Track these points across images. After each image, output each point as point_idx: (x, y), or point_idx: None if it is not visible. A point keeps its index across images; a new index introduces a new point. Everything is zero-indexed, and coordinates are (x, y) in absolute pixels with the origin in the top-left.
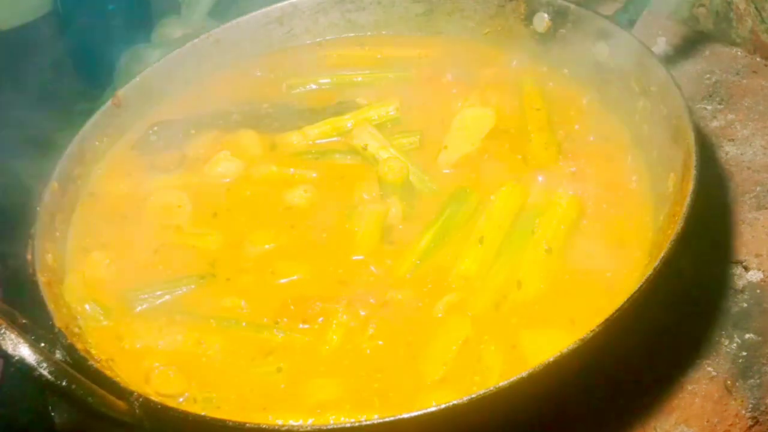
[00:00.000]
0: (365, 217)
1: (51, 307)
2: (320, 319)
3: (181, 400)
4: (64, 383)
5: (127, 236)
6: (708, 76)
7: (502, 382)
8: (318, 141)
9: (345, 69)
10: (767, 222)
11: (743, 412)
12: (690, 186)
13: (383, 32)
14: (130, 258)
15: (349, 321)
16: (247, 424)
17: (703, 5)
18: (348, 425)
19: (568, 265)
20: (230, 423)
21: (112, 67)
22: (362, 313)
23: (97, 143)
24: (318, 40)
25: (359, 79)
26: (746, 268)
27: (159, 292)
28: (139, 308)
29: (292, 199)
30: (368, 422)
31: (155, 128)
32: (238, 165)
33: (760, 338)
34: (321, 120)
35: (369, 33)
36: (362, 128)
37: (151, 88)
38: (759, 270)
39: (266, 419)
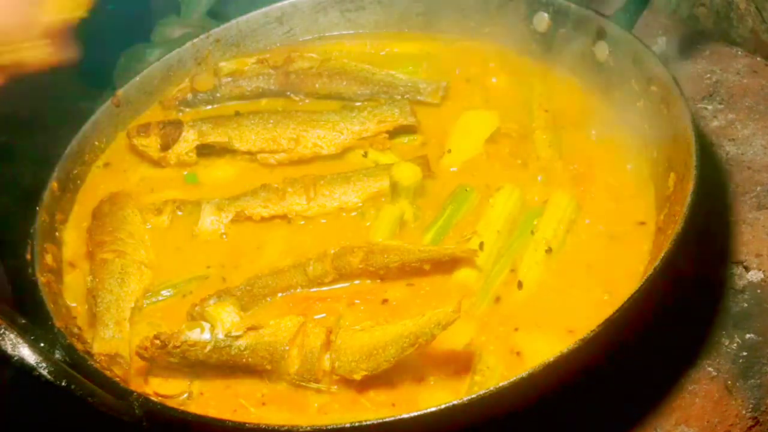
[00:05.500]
0: (380, 216)
1: (50, 307)
2: (320, 316)
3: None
4: (63, 383)
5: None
6: (708, 75)
7: (503, 382)
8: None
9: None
10: (767, 222)
11: (744, 412)
12: (690, 186)
13: (383, 32)
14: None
15: (348, 320)
16: (247, 424)
17: (703, 5)
18: (348, 425)
19: (568, 266)
20: (230, 423)
21: (112, 66)
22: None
23: (96, 143)
24: (318, 40)
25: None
26: (746, 268)
27: (160, 292)
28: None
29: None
30: (368, 422)
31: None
32: (237, 168)
33: (760, 338)
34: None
35: (369, 32)
36: None
37: (150, 88)
38: (759, 270)
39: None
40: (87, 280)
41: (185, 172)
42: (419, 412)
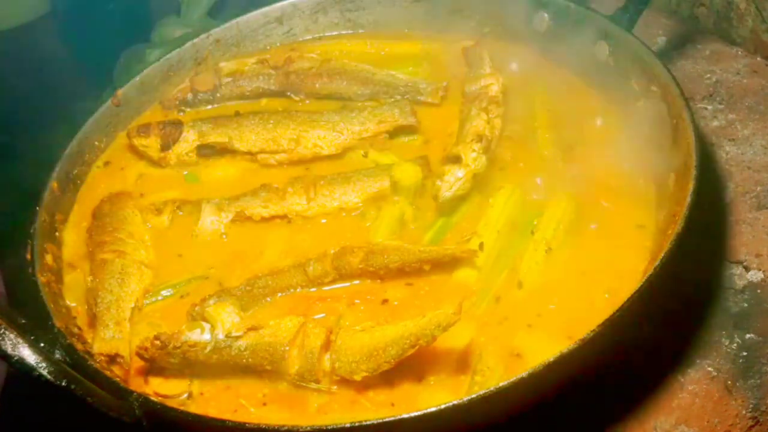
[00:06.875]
0: (380, 216)
1: (50, 307)
2: (319, 316)
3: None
4: (63, 383)
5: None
6: (708, 75)
7: (503, 382)
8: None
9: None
10: (767, 222)
11: (744, 412)
12: (690, 186)
13: (383, 32)
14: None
15: (348, 320)
16: (247, 424)
17: (703, 5)
18: (348, 425)
19: (568, 266)
20: (230, 423)
21: (112, 66)
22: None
23: (96, 143)
24: (318, 40)
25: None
26: (746, 268)
27: (160, 292)
28: None
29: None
30: (368, 422)
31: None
32: (237, 168)
33: (760, 338)
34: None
35: (369, 32)
36: None
37: (150, 88)
38: (759, 270)
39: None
40: (87, 280)
41: (185, 172)
42: (419, 412)
